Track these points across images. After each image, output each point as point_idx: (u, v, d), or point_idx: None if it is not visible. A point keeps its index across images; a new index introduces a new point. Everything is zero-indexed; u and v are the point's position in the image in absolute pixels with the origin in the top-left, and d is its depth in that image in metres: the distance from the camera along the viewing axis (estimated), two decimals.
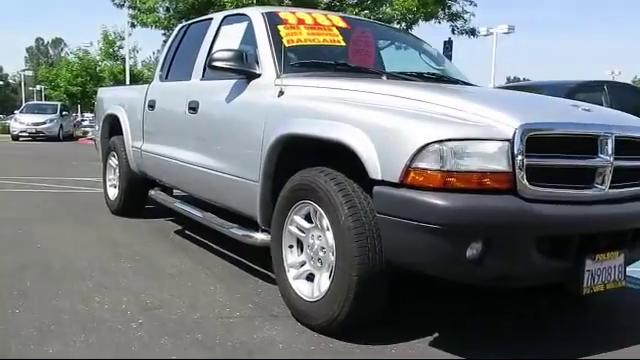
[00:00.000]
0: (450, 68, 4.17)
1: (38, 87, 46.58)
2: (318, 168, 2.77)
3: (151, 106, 4.84)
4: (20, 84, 70.18)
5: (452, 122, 2.37)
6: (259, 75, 3.45)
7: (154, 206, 5.48)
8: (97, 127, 6.55)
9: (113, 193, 5.79)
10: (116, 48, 28.96)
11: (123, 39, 28.25)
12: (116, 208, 5.62)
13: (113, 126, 5.85)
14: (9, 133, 23.00)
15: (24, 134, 21.76)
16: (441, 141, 2.24)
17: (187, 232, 4.97)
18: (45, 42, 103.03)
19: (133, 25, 14.77)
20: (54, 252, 4.14)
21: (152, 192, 4.91)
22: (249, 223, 3.51)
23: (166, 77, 4.87)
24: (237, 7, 9.34)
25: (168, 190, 5.03)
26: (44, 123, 21.94)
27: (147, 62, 46.51)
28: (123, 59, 28.45)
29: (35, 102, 32.52)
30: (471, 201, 2.22)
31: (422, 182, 2.27)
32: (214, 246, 4.39)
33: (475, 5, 14.64)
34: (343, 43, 3.68)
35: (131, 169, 5.34)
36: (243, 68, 3.46)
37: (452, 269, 2.35)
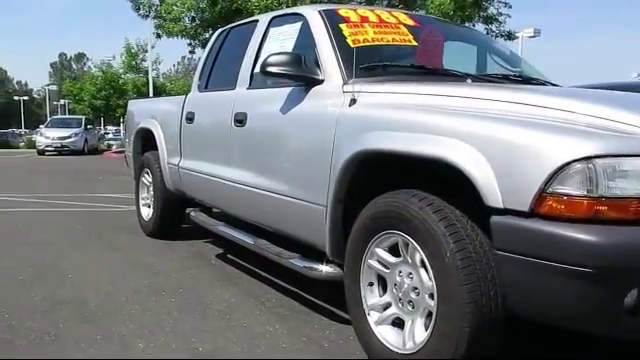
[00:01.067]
0: (529, 68, 3.66)
1: (62, 101, 46.95)
2: (409, 191, 2.28)
3: (189, 119, 4.40)
4: (45, 99, 71.02)
5: (598, 133, 1.87)
6: (321, 81, 2.98)
7: (189, 225, 5.04)
8: (128, 142, 6.15)
9: (147, 213, 5.36)
10: (139, 61, 28.83)
11: (146, 51, 28.12)
12: (151, 229, 5.19)
13: (146, 141, 5.43)
14: (35, 148, 22.90)
15: (49, 148, 21.62)
16: (588, 158, 1.74)
17: (230, 256, 4.51)
18: (68, 57, 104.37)
19: (159, 36, 14.47)
20: (87, 284, 3.70)
21: (192, 213, 4.46)
22: (309, 251, 3.04)
23: (206, 87, 4.43)
24: (267, 12, 8.91)
25: (208, 210, 4.58)
26: (69, 137, 21.78)
27: (167, 74, 46.46)
28: (146, 72, 28.33)
29: (60, 116, 32.62)
30: (633, 236, 1.71)
31: (563, 211, 1.77)
32: (263, 274, 3.92)
33: (510, 7, 14.09)
34: (414, 42, 3.20)
35: (167, 187, 4.91)
36: (302, 74, 3.00)
37: (599, 321, 1.83)
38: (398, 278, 2.37)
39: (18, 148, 29.69)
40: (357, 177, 2.60)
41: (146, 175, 5.38)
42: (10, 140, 32.94)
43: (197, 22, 13.13)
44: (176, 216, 5.14)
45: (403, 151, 2.31)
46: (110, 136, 41.73)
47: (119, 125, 47.58)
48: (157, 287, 3.67)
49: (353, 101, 2.69)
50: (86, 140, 22.63)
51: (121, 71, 28.84)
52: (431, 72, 3.06)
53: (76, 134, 22.13)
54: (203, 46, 14.52)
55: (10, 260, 4.34)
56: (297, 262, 3.07)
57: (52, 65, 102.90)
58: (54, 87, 71.55)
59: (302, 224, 2.97)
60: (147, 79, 26.60)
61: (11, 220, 6.22)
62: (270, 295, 3.53)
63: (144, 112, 5.55)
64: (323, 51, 3.05)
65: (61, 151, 21.44)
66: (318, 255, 2.97)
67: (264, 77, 3.66)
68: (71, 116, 29.50)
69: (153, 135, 5.06)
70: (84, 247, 4.82)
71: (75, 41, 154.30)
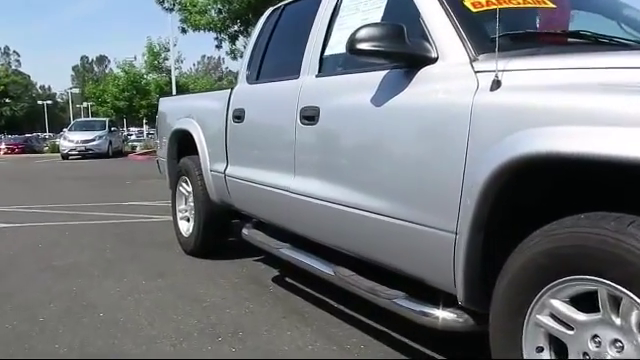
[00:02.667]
0: None
1: (85, 104, 46.75)
2: (621, 217, 1.48)
3: (238, 117, 3.64)
4: (68, 102, 71.31)
5: None
6: (434, 60, 2.19)
7: (234, 239, 4.29)
8: (160, 145, 5.42)
9: (186, 228, 4.62)
10: (161, 60, 28.34)
11: (168, 50, 27.60)
12: (192, 248, 4.45)
13: (183, 144, 4.69)
14: (59, 152, 22.47)
15: (73, 152, 21.17)
16: None
17: (290, 281, 3.76)
18: (90, 60, 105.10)
19: (184, 30, 13.77)
20: (124, 327, 2.97)
21: (245, 231, 3.69)
22: (414, 286, 2.27)
23: (257, 78, 3.66)
24: None
25: (262, 225, 3.80)
26: (93, 140, 21.32)
27: (187, 74, 45.94)
28: (168, 71, 27.84)
29: (83, 119, 32.25)
30: None
31: None
32: (340, 307, 3.16)
33: None
34: (551, 4, 2.38)
35: (210, 199, 4.16)
36: (407, 51, 2.21)
37: None
38: (592, 345, 1.57)
39: (42, 153, 29.34)
40: (506, 193, 1.81)
41: (184, 184, 4.65)
42: (35, 145, 32.66)
43: (224, 14, 12.39)
44: (221, 232, 4.40)
45: (601, 155, 1.51)
46: (133, 137, 41.43)
47: (142, 126, 47.36)
48: (210, 329, 2.92)
49: (496, 84, 1.89)
50: (110, 143, 22.15)
51: (143, 71, 28.37)
52: (584, 40, 2.24)
53: (100, 137, 21.67)
54: (231, 39, 13.88)
55: (29, 292, 3.63)
56: (402, 303, 2.29)
57: (74, 68, 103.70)
58: (76, 90, 71.82)
59: (414, 255, 2.19)
60: (170, 78, 26.09)
61: (31, 237, 5.52)
62: (357, 339, 2.76)
63: (179, 111, 4.81)
64: (434, 19, 2.26)
65: (85, 154, 20.96)
66: (429, 292, 2.21)
67: (339, 61, 2.91)
68: (94, 118, 29.05)
69: (191, 137, 4.31)
70: (116, 272, 4.09)
71: (97, 44, 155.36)
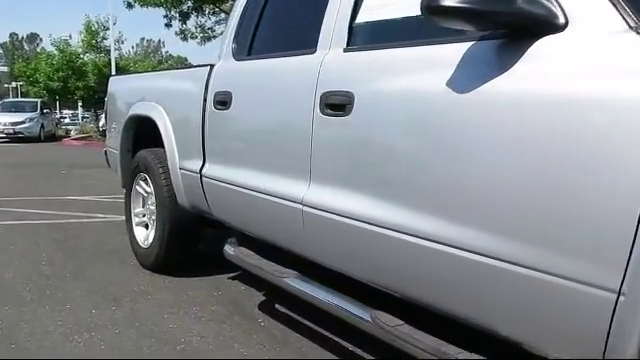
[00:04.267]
0: None
1: (14, 84, 43.82)
2: None
3: (221, 103, 2.84)
4: None
5: None
6: (561, 27, 1.47)
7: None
8: (110, 134, 4.52)
9: (145, 236, 3.78)
10: (99, 39, 26.56)
11: (107, 29, 25.87)
12: (152, 261, 3.61)
13: (141, 134, 3.85)
14: None
15: (1, 135, 19.40)
16: None
17: (281, 308, 3.02)
18: (20, 37, 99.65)
19: (130, 5, 12.57)
20: None
21: (230, 249, 2.89)
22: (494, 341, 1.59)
23: (248, 52, 2.86)
24: None
25: (248, 240, 3.00)
26: (23, 123, 19.59)
27: (126, 57, 43.78)
28: (107, 51, 26.15)
29: (12, 99, 29.98)
30: None
31: None
32: (341, 342, 2.44)
33: None
34: None
35: (177, 202, 3.35)
36: (519, 11, 1.50)
37: None
38: None
39: None
40: None
41: (141, 182, 3.80)
42: None
43: None
44: (190, 243, 3.59)
45: None
46: (67, 121, 39.16)
47: (76, 109, 44.80)
48: None
49: None
50: (42, 126, 20.46)
51: (80, 50, 26.52)
52: None
53: (31, 119, 19.96)
54: (182, 18, 12.81)
55: None
56: None
57: (2, 46, 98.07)
58: (5, 68, 67.67)
59: (530, 314, 1.48)
60: (109, 59, 24.48)
61: None
62: None
63: (137, 93, 3.93)
64: None
65: (14, 138, 19.23)
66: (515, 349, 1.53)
67: (383, 28, 2.17)
68: (25, 99, 27.00)
69: (154, 126, 3.47)
70: (57, 295, 3.22)
71: (27, 21, 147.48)
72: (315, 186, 2.21)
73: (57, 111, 36.81)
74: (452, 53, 1.70)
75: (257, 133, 2.62)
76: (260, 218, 2.63)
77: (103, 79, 25.38)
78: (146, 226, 3.84)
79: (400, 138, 1.87)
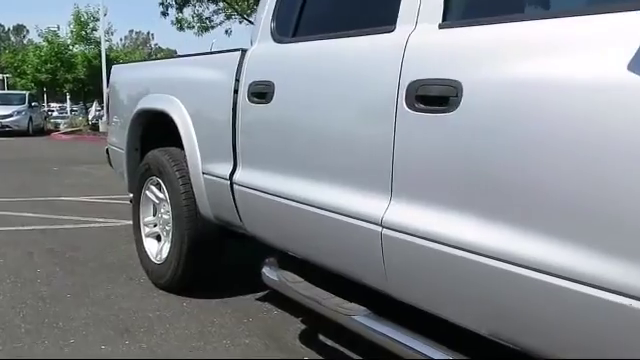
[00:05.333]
0: None
1: (0, 76, 42.83)
2: None
3: (259, 95, 2.33)
4: None
5: None
6: None
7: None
8: (113, 130, 3.99)
9: (157, 250, 3.26)
10: (89, 30, 25.80)
11: (97, 20, 25.14)
12: (167, 280, 3.09)
13: (152, 130, 3.33)
14: None
15: None
16: None
17: (323, 339, 2.52)
18: (6, 29, 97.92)
19: None
20: None
21: (270, 273, 2.37)
22: None
23: (294, 33, 2.34)
24: None
25: (290, 261, 2.48)
26: (10, 116, 18.85)
27: (115, 49, 42.80)
28: (97, 42, 25.41)
29: None
30: None
31: None
32: None
33: None
34: None
35: (198, 212, 2.84)
36: None
37: None
38: None
39: None
40: None
41: (152, 187, 3.28)
42: None
43: None
44: (212, 258, 3.08)
45: None
46: (55, 114, 38.25)
47: (65, 102, 43.81)
48: None
49: None
50: (31, 119, 19.73)
51: (69, 42, 25.74)
52: None
53: (19, 112, 19.23)
54: (179, 6, 12.18)
55: None
56: None
57: None
58: None
59: None
60: (99, 50, 23.75)
61: None
62: None
63: (148, 83, 3.41)
64: None
65: (1, 132, 18.51)
66: None
67: None
68: (12, 91, 26.15)
69: (169, 122, 2.95)
70: (57, 327, 2.69)
71: (13, 12, 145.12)
72: (399, 202, 1.71)
73: (45, 104, 35.95)
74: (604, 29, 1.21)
75: (311, 133, 2.11)
76: (316, 240, 2.12)
77: (93, 71, 24.68)
78: (158, 238, 3.32)
79: (538, 145, 1.37)
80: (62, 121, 26.81)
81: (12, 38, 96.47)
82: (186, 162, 2.90)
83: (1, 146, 14.20)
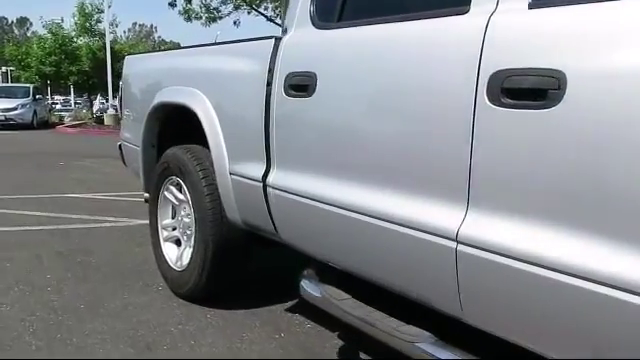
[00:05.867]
0: None
1: (4, 68, 42.47)
2: None
3: (298, 88, 2.07)
4: None
5: None
6: None
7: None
8: (127, 124, 3.73)
9: (177, 256, 3.01)
10: (93, 22, 25.52)
11: (101, 12, 24.86)
12: (190, 289, 2.84)
13: (171, 125, 3.08)
14: None
15: None
16: None
17: (366, 358, 2.26)
18: (9, 22, 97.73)
19: None
20: None
21: (311, 289, 2.11)
22: None
23: (339, 18, 2.08)
24: None
25: (328, 273, 2.22)
26: (15, 109, 18.60)
27: (118, 42, 42.59)
28: (101, 34, 25.14)
29: (3, 85, 28.92)
30: None
31: None
32: None
33: None
34: None
35: (226, 217, 2.59)
36: None
37: None
38: None
39: None
40: None
41: (172, 187, 3.02)
42: None
43: None
44: (238, 265, 2.83)
45: None
46: (59, 107, 38.02)
47: (68, 94, 43.50)
48: None
49: None
50: (35, 112, 19.49)
51: (73, 34, 25.46)
52: None
53: (23, 105, 18.99)
54: None
55: None
56: None
57: None
58: None
59: None
60: (104, 43, 23.49)
61: None
62: None
63: (167, 74, 3.16)
64: None
65: (5, 125, 18.27)
66: None
67: None
68: (16, 84, 25.87)
69: (192, 117, 2.69)
70: (71, 344, 2.44)
71: (17, 5, 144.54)
72: (479, 215, 1.45)
73: (48, 97, 35.73)
74: None
75: (363, 131, 1.84)
76: (371, 254, 1.86)
77: (97, 64, 24.37)
78: (177, 242, 3.07)
79: None
80: (66, 114, 26.60)
81: (15, 31, 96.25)
82: (210, 161, 2.65)
83: (5, 140, 13.96)
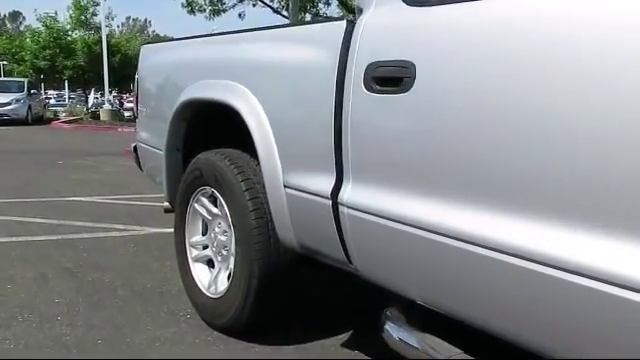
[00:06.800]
0: None
1: None
2: None
3: (386, 81, 1.61)
4: None
5: None
6: None
7: None
8: (145, 123, 3.28)
9: (208, 279, 2.56)
10: (88, 15, 24.97)
11: (97, 5, 24.33)
12: (229, 320, 2.39)
13: (201, 126, 2.63)
14: None
15: None
16: None
17: None
18: (2, 15, 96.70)
19: None
20: None
21: (401, 335, 1.67)
22: None
23: None
24: None
25: (412, 309, 1.78)
26: (9, 104, 18.02)
27: (112, 36, 41.96)
28: (97, 28, 24.61)
29: None
30: None
31: None
32: None
33: None
34: None
35: (276, 236, 2.14)
36: None
37: None
38: None
39: None
40: None
41: (204, 200, 2.56)
42: None
43: None
44: (288, 292, 2.38)
45: None
46: (52, 102, 37.33)
47: (62, 89, 42.73)
48: None
49: None
50: (30, 107, 18.92)
51: (68, 27, 24.89)
52: None
53: (17, 100, 18.41)
54: None
55: None
56: None
57: None
58: None
59: None
60: (99, 37, 22.94)
61: None
62: None
63: (198, 66, 2.70)
64: None
65: None
66: None
67: None
68: (10, 78, 25.23)
69: (236, 117, 2.23)
70: None
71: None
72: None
73: (43, 91, 35.08)
74: None
75: (482, 137, 1.39)
76: (494, 299, 1.41)
77: (93, 58, 23.78)
78: (209, 262, 2.62)
79: None
80: (61, 109, 26.00)
81: (8, 25, 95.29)
82: (254, 169, 2.21)
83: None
